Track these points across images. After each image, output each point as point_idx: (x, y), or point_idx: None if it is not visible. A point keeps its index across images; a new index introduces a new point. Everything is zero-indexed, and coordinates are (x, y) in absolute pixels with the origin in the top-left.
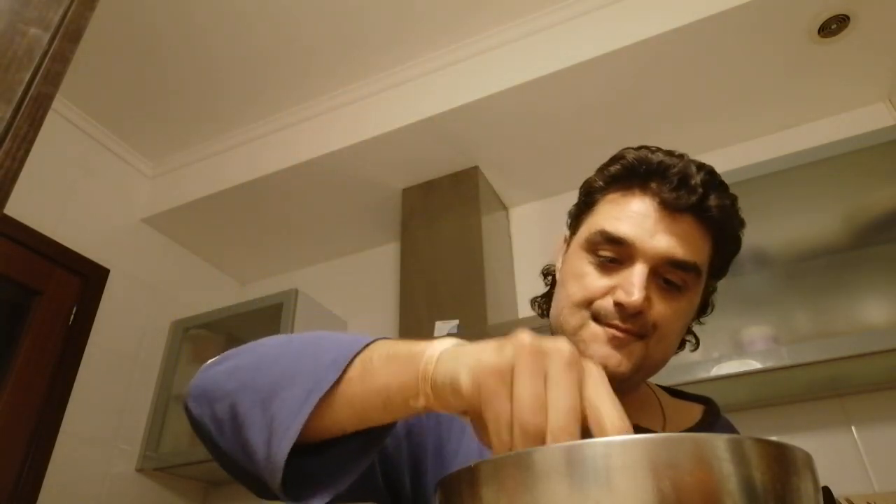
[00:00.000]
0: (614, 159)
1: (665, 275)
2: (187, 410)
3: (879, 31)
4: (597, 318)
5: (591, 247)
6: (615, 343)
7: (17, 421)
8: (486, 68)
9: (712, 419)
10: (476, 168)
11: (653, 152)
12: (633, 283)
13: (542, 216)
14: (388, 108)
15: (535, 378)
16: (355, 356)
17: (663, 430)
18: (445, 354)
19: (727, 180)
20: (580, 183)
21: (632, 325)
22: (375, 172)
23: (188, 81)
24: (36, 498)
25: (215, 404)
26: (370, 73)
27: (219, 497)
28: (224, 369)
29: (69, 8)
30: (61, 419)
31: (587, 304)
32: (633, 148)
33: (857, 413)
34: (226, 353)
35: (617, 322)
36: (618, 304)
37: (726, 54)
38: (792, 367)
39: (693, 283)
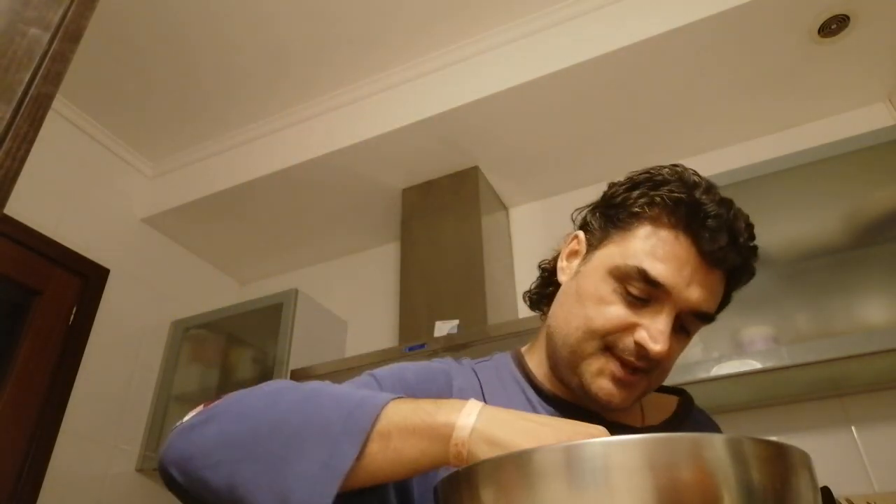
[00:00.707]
0: (656, 182)
1: (684, 320)
2: (166, 474)
3: (879, 31)
4: (610, 348)
5: (622, 278)
6: (621, 384)
7: (18, 421)
8: (486, 68)
9: (685, 410)
10: (476, 168)
11: (697, 186)
12: (661, 332)
13: (542, 216)
14: (388, 108)
15: None
16: (371, 428)
17: (642, 424)
18: (478, 434)
19: (726, 181)
20: (580, 183)
21: (644, 363)
22: (375, 172)
23: (189, 82)
24: (36, 498)
25: (206, 472)
26: (370, 73)
27: None
28: (211, 435)
29: (69, 8)
30: (61, 419)
31: (604, 334)
32: (672, 171)
33: (857, 413)
34: (204, 411)
35: (633, 360)
36: (639, 345)
37: (726, 54)
38: (792, 367)
39: (701, 327)
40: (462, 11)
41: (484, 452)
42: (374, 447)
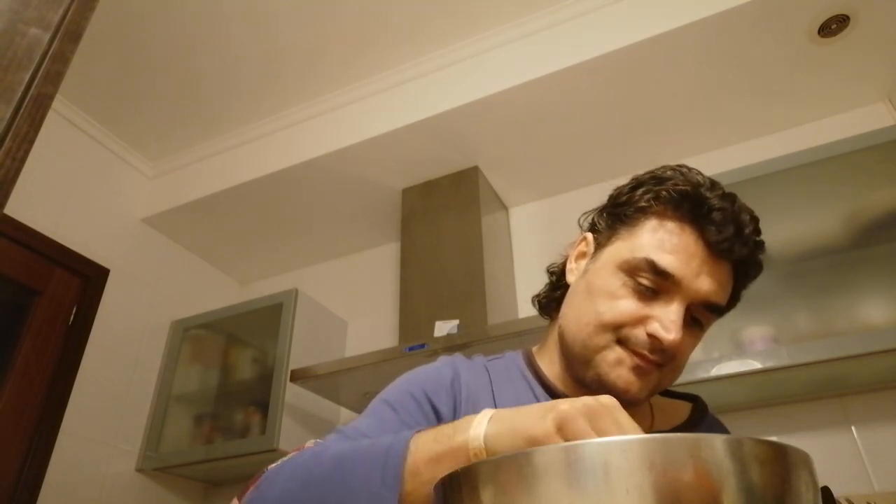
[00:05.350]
0: (660, 179)
1: (694, 313)
2: None
3: (879, 31)
4: (623, 342)
5: (632, 270)
6: (638, 371)
7: (17, 421)
8: (486, 68)
9: (699, 416)
10: (476, 168)
11: (701, 184)
12: (673, 322)
13: (542, 216)
14: (388, 108)
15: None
16: (402, 471)
17: (650, 428)
18: (492, 435)
19: (727, 180)
20: (580, 183)
21: (658, 356)
22: (375, 172)
23: (188, 82)
24: (36, 498)
25: None
26: (370, 73)
27: (219, 497)
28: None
29: (69, 8)
30: (61, 419)
31: (616, 327)
32: (675, 169)
33: (857, 413)
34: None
35: (646, 352)
36: (652, 337)
37: (726, 54)
38: (792, 367)
39: (713, 320)
40: (462, 12)
41: (503, 447)
42: (408, 487)
